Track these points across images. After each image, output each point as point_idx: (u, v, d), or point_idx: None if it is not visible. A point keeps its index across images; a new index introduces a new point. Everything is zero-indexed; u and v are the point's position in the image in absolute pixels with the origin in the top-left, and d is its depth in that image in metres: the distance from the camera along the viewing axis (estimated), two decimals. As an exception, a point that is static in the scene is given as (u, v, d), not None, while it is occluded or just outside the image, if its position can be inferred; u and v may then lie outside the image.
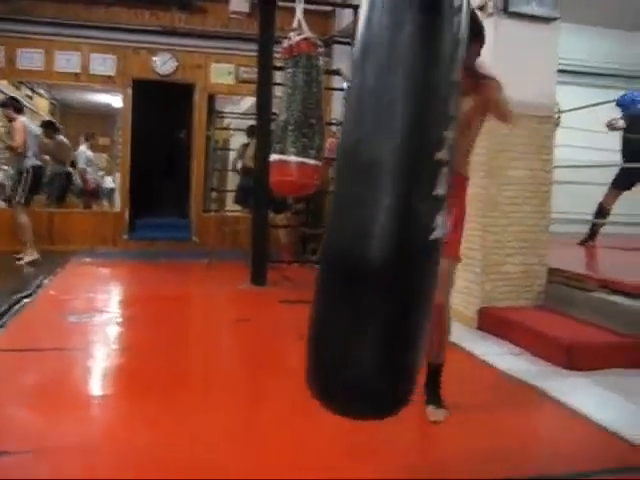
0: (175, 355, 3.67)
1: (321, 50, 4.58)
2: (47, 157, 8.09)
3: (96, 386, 3.27)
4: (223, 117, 9.84)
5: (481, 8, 4.21)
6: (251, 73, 7.78)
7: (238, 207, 8.28)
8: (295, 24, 4.51)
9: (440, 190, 1.72)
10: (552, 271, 4.52)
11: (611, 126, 6.26)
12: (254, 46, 5.98)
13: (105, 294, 5.55)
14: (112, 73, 8.08)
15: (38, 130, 7.20)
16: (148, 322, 4.49)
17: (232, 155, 9.29)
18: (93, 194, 10.28)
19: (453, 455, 2.51)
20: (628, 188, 6.16)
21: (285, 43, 4.54)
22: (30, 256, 6.62)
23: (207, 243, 7.77)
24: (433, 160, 1.72)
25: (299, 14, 4.48)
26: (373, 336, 1.74)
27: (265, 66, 5.70)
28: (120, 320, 4.57)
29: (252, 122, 7.01)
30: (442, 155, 1.71)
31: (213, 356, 3.86)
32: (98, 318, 4.46)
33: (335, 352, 1.79)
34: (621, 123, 6.19)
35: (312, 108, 4.55)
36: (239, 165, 8.44)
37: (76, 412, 2.76)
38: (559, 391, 3.19)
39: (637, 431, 2.69)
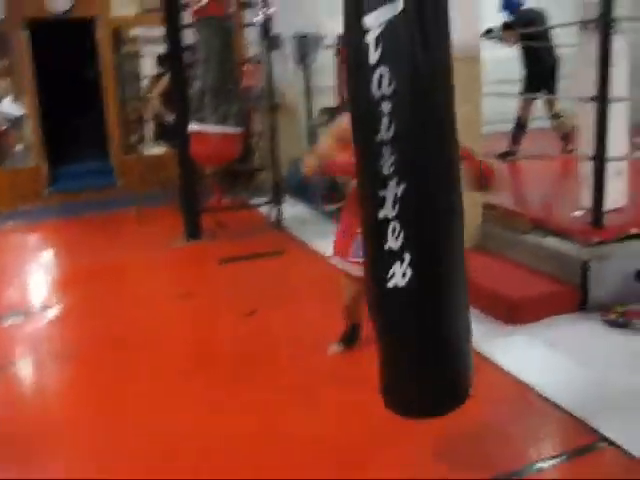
0: (121, 359, 3.58)
1: (232, 10, 4.26)
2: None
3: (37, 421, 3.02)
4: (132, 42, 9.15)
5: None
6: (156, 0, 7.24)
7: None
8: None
9: (392, 244, 1.87)
10: (486, 207, 4.56)
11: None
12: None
13: (32, 274, 5.33)
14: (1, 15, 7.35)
15: None
16: (83, 313, 4.32)
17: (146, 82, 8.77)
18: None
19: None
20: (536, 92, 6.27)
21: (193, 5, 4.20)
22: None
23: (132, 186, 7.47)
24: (378, 219, 1.88)
25: (206, -29, 4.12)
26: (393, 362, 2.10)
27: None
28: (51, 316, 4.30)
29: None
30: (385, 213, 1.85)
31: (162, 355, 3.63)
32: (26, 317, 4.27)
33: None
34: (513, 40, 6.16)
35: (228, 73, 4.30)
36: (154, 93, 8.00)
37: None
38: (502, 353, 3.31)
39: (582, 405, 2.84)
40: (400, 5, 1.72)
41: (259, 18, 5.45)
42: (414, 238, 1.86)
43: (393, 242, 1.85)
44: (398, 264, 1.86)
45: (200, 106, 4.44)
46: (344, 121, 3.05)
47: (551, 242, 4.04)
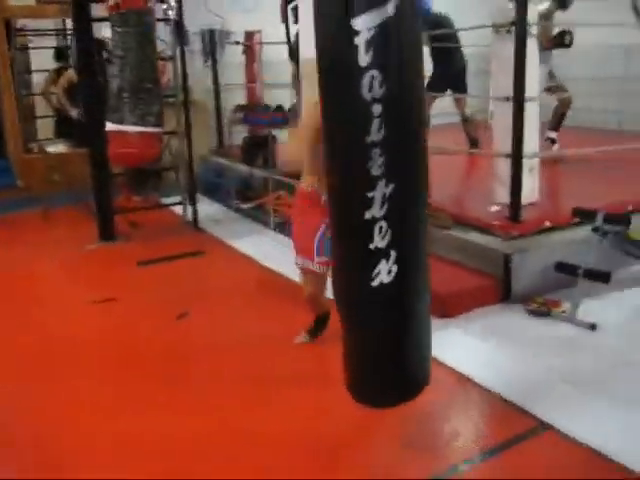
0: (47, 373, 3.35)
1: (152, 4, 4.11)
2: None
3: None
4: (24, 35, 8.65)
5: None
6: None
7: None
8: (119, -26, 3.98)
9: (379, 243, 1.92)
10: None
11: None
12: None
13: None
14: None
15: None
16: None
17: (37, 77, 8.33)
18: None
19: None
20: (442, 91, 6.54)
21: (110, -1, 4.01)
22: None
23: (34, 187, 7.06)
24: (364, 219, 1.90)
25: (122, -39, 3.95)
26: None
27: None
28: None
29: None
30: (372, 213, 1.89)
31: (94, 365, 3.45)
32: None
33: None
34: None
35: (147, 71, 4.16)
36: (53, 89, 7.64)
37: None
38: (436, 345, 3.39)
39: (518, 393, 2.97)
40: (390, 9, 1.74)
41: (172, 13, 5.32)
42: (400, 236, 1.92)
43: (380, 241, 1.90)
44: (384, 262, 1.92)
45: (118, 105, 4.27)
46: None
47: (473, 237, 4.20)
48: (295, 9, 4.49)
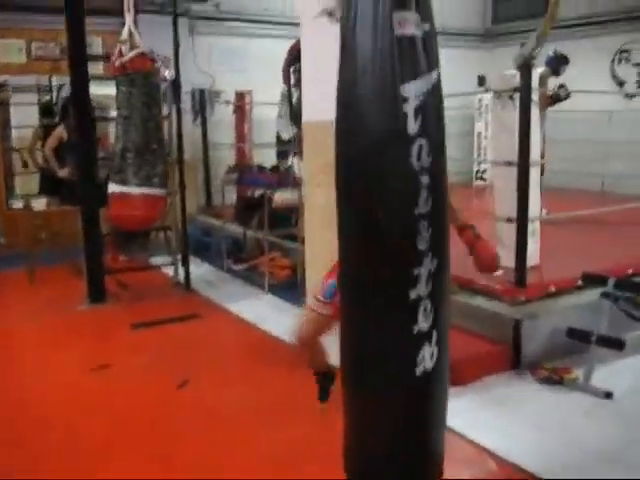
0: (37, 451, 3.07)
1: (159, 65, 4.08)
2: None
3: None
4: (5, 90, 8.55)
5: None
6: (47, 49, 6.94)
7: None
8: (125, 35, 3.94)
9: (423, 324, 1.76)
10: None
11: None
12: (48, 17, 5.26)
13: None
14: None
15: None
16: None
17: (18, 133, 8.24)
18: None
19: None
20: None
21: (115, 59, 3.96)
22: None
23: (18, 243, 6.87)
24: (409, 300, 1.74)
25: (130, 23, 3.91)
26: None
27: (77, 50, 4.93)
28: None
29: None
30: (417, 292, 1.74)
31: (91, 440, 3.18)
32: None
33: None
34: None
35: (153, 131, 4.10)
36: (38, 145, 7.53)
37: None
38: (450, 415, 3.28)
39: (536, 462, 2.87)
40: (434, 77, 1.70)
41: (171, 73, 5.30)
42: (441, 314, 1.80)
43: (423, 322, 1.75)
44: (427, 345, 1.78)
45: (122, 166, 4.18)
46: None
47: (479, 302, 4.13)
48: (297, 71, 4.51)
